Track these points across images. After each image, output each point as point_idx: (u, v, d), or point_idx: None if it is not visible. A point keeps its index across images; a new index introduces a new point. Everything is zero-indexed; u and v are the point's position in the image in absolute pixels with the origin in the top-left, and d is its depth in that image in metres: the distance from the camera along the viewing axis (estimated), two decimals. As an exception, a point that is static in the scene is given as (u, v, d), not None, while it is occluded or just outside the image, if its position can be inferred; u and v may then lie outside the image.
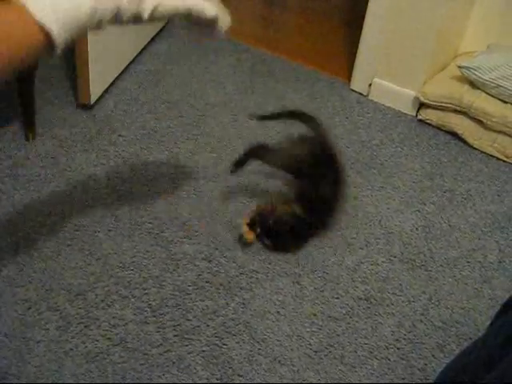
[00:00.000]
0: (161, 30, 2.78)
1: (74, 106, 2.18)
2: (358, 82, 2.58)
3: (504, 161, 2.29)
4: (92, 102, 2.16)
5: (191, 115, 2.25)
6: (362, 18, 2.46)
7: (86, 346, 1.39)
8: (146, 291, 1.54)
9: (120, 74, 2.40)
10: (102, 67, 2.17)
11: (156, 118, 2.20)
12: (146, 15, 1.01)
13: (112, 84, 2.33)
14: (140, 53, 2.58)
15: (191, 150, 2.06)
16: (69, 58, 2.39)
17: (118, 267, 1.60)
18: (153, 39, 2.71)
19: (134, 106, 2.25)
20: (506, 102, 2.30)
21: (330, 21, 3.36)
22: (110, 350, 1.39)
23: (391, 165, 2.16)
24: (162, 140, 2.09)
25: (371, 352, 1.49)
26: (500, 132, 2.27)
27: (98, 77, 2.16)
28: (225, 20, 1.19)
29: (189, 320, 1.48)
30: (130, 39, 2.43)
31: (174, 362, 1.38)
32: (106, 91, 2.29)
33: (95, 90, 2.17)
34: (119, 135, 2.08)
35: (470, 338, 1.56)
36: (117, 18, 0.99)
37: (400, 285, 1.68)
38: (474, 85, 2.34)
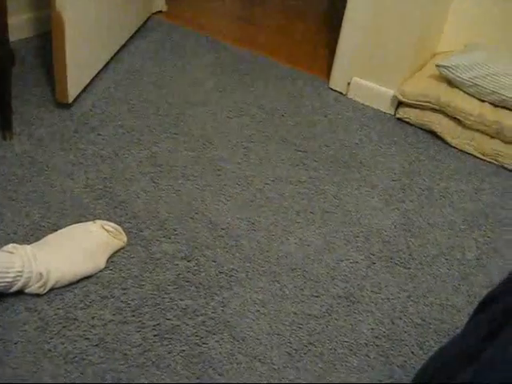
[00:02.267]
0: (139, 29, 2.77)
1: (51, 104, 2.17)
2: (336, 81, 2.59)
3: (481, 159, 2.31)
4: (70, 101, 2.15)
5: (170, 114, 2.24)
6: (342, 17, 2.47)
7: (65, 347, 1.38)
8: (126, 291, 1.53)
9: (98, 73, 2.39)
10: (79, 66, 2.16)
11: (135, 116, 2.19)
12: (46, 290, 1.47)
13: (90, 83, 2.32)
14: (118, 51, 2.57)
15: (170, 149, 2.06)
16: (46, 56, 2.38)
17: (96, 267, 1.59)
18: (131, 38, 2.69)
19: (112, 105, 2.23)
20: (483, 101, 2.32)
21: (309, 20, 3.37)
22: (89, 350, 1.38)
23: (370, 163, 2.17)
24: (140, 139, 2.08)
25: (351, 349, 1.49)
26: (477, 130, 2.29)
27: (76, 75, 2.15)
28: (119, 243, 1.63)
29: (168, 319, 1.47)
30: (108, 37, 2.41)
31: (153, 362, 1.38)
32: (85, 90, 2.27)
33: (73, 88, 2.15)
34: (98, 134, 2.07)
35: (449, 335, 1.57)
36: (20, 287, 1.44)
37: (379, 282, 1.69)
38: (451, 83, 2.36)
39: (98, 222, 1.63)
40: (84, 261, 1.53)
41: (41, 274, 1.45)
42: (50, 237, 1.57)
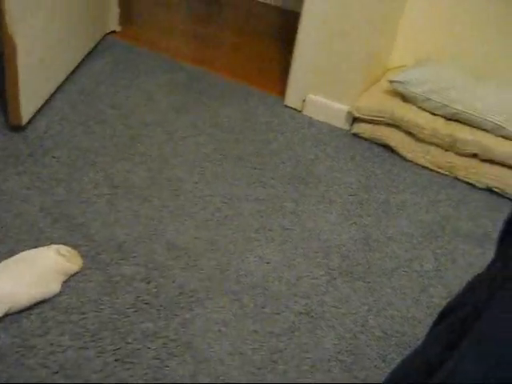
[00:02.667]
0: (93, 49, 2.75)
1: (4, 128, 2.13)
2: (292, 98, 2.61)
3: (436, 171, 2.35)
4: (24, 123, 2.11)
5: (126, 135, 2.22)
6: (295, 35, 2.49)
7: (23, 376, 1.34)
8: (84, 315, 1.50)
9: (52, 95, 2.36)
10: (32, 88, 2.13)
11: (90, 138, 2.17)
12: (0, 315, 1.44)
13: (44, 104, 2.29)
14: (73, 72, 2.55)
15: (126, 170, 2.04)
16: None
17: (54, 292, 1.56)
18: (86, 58, 2.67)
19: (67, 127, 2.21)
20: (435, 115, 2.36)
21: (264, 38, 3.39)
22: (49, 378, 1.35)
23: (327, 179, 2.18)
24: (96, 160, 2.06)
25: (314, 366, 1.49)
26: (432, 144, 2.33)
27: (29, 97, 2.12)
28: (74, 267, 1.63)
29: (129, 343, 1.45)
30: (61, 59, 2.39)
31: (114, 387, 1.36)
32: (38, 112, 2.24)
33: (27, 110, 2.12)
34: (53, 156, 2.04)
35: (410, 347, 1.58)
36: None
37: (340, 297, 1.70)
38: (404, 98, 2.40)
39: (53, 246, 1.62)
40: (38, 285, 1.51)
41: None
42: (4, 262, 1.55)
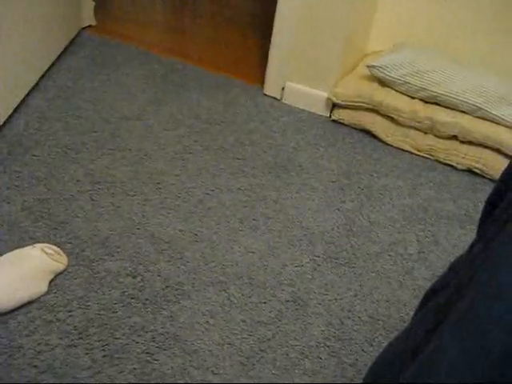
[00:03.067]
0: (69, 45, 2.73)
1: (-18, 127, 2.12)
2: (271, 87, 2.61)
3: (417, 154, 2.37)
4: (1, 123, 2.10)
5: (105, 130, 2.21)
6: (272, 23, 2.49)
7: (12, 377, 1.34)
8: (71, 313, 1.50)
9: (29, 92, 2.34)
10: (9, 85, 2.11)
11: (69, 134, 2.16)
12: None
13: (21, 102, 2.27)
14: (49, 69, 2.53)
15: (107, 165, 2.03)
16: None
17: (39, 291, 1.55)
18: (62, 54, 2.65)
19: (45, 124, 2.19)
20: (413, 98, 2.37)
21: (240, 28, 3.38)
22: (38, 377, 1.35)
23: (309, 166, 2.19)
24: (76, 157, 2.05)
25: (302, 353, 1.50)
26: (411, 127, 2.34)
27: (6, 95, 2.10)
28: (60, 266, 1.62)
29: (117, 338, 1.45)
30: (37, 55, 2.37)
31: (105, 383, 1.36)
32: (16, 110, 2.22)
33: (4, 109, 2.10)
34: (32, 155, 2.02)
35: (397, 330, 1.60)
36: None
37: (325, 284, 1.71)
38: (382, 83, 2.41)
39: (38, 245, 1.60)
40: (25, 286, 1.50)
41: None
42: None
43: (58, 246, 1.64)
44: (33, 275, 1.52)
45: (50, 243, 1.64)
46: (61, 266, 1.60)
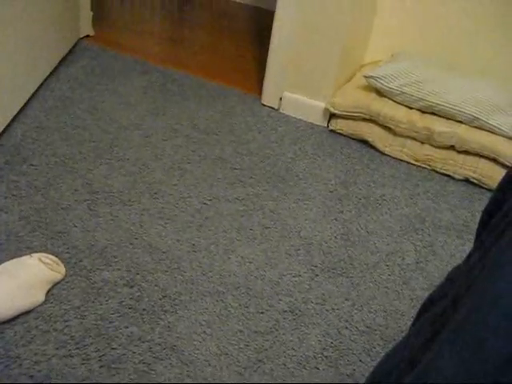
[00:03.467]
0: (67, 54, 2.73)
1: (-21, 137, 2.12)
2: (268, 97, 2.61)
3: (414, 164, 2.37)
4: (-1, 132, 2.10)
5: (103, 139, 2.22)
6: (270, 33, 2.50)
7: (8, 386, 1.34)
8: (68, 323, 1.50)
9: (27, 102, 2.34)
10: (7, 94, 2.11)
11: (67, 144, 2.16)
12: None
13: (19, 112, 2.27)
14: (47, 78, 2.53)
15: (105, 175, 2.03)
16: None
17: (36, 301, 1.55)
18: (60, 64, 2.66)
19: (43, 134, 2.19)
20: (411, 108, 2.38)
21: (239, 38, 3.39)
22: (34, 387, 1.34)
23: (306, 176, 2.19)
24: (74, 167, 2.05)
25: (300, 363, 1.50)
26: (408, 137, 2.35)
27: (4, 104, 2.10)
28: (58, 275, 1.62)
29: (114, 349, 1.45)
30: (35, 64, 2.38)
31: (101, 393, 1.35)
32: (14, 119, 2.22)
33: (1, 118, 2.10)
34: (30, 164, 2.02)
35: (395, 340, 1.60)
36: None
37: (323, 294, 1.71)
38: (380, 93, 2.42)
39: (36, 255, 1.60)
40: (22, 296, 1.49)
41: None
42: None
43: (56, 256, 1.64)
44: (30, 285, 1.52)
45: (47, 253, 1.64)
46: (58, 276, 1.60)
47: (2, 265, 1.57)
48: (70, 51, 2.76)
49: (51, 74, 2.57)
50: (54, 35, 2.55)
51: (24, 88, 2.32)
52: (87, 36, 2.99)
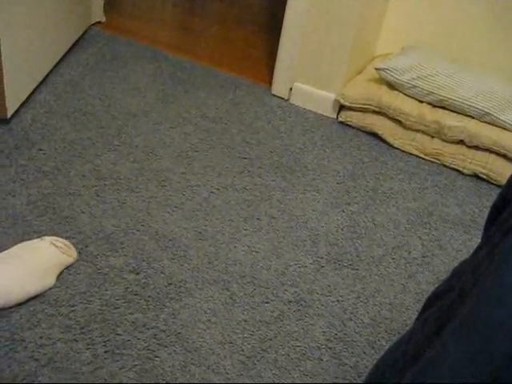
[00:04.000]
0: (78, 40, 2.73)
1: (-11, 120, 2.12)
2: (278, 87, 2.60)
3: (423, 158, 2.36)
4: (9, 116, 2.10)
5: (112, 126, 2.22)
6: (281, 24, 2.49)
7: (12, 370, 1.34)
8: (73, 308, 1.50)
9: (37, 86, 2.34)
10: (17, 79, 2.12)
11: (76, 129, 2.16)
12: None
13: (29, 96, 2.27)
14: (58, 64, 2.53)
15: (113, 161, 2.03)
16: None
17: (42, 285, 1.56)
18: (71, 50, 2.66)
19: (53, 119, 2.20)
20: (422, 102, 2.37)
21: (250, 28, 3.38)
22: (39, 371, 1.35)
23: (315, 167, 2.19)
24: (83, 152, 2.05)
25: (304, 354, 1.50)
26: (418, 131, 2.34)
27: (15, 89, 2.10)
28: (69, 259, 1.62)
29: (118, 334, 1.46)
30: (45, 50, 2.38)
31: (105, 379, 1.36)
32: (24, 104, 2.23)
33: (11, 103, 2.11)
34: (39, 149, 2.03)
35: (399, 333, 1.59)
36: None
37: (328, 285, 1.71)
38: (391, 86, 2.41)
39: (47, 238, 1.61)
40: (34, 279, 1.50)
41: None
42: None
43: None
44: (42, 268, 1.52)
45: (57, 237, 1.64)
46: (70, 259, 1.60)
47: (14, 248, 1.57)
48: (81, 37, 2.76)
49: (62, 59, 2.57)
50: (66, 21, 2.55)
51: (34, 73, 2.32)
52: (98, 22, 2.99)
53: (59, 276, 1.58)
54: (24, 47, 2.13)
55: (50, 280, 1.54)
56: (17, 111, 2.17)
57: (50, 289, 1.53)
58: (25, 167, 1.94)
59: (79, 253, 1.66)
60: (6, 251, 1.56)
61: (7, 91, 2.04)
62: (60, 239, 1.62)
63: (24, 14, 2.10)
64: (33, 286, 1.49)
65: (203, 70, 2.73)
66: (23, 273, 1.49)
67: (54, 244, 1.58)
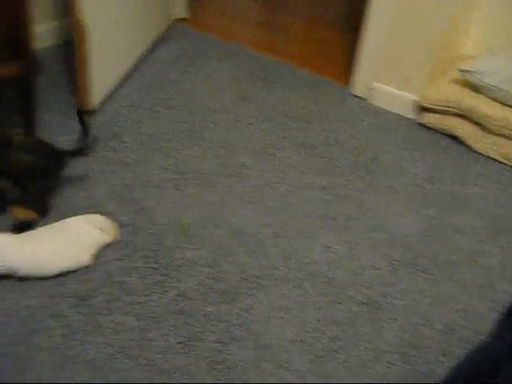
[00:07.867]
0: (162, 36, 2.78)
1: (75, 112, 2.18)
2: (358, 87, 2.59)
3: (505, 163, 2.29)
4: (93, 108, 2.17)
5: (193, 121, 2.25)
6: (359, 23, 2.47)
7: (89, 353, 1.39)
8: (149, 297, 1.54)
9: (122, 81, 2.40)
10: (102, 73, 2.18)
11: (158, 123, 2.21)
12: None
13: (114, 90, 2.34)
14: (141, 59, 2.59)
15: (193, 156, 2.07)
16: (70, 64, 2.40)
17: (119, 274, 1.60)
18: (154, 45, 2.71)
19: (135, 113, 2.25)
20: (506, 105, 2.30)
21: (331, 26, 3.37)
22: (113, 357, 1.39)
23: (392, 169, 2.16)
24: (164, 146, 2.09)
25: (375, 356, 1.49)
26: (500, 135, 2.27)
27: (99, 82, 2.17)
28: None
29: (192, 326, 1.48)
30: (130, 44, 2.44)
31: (177, 369, 1.38)
32: (108, 97, 2.29)
33: (97, 96, 2.17)
34: (121, 141, 2.08)
35: (473, 342, 1.56)
36: None
37: (402, 289, 1.68)
38: (474, 88, 2.35)
39: (88, 216, 1.66)
40: (64, 254, 1.56)
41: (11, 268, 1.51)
42: (44, 228, 1.62)
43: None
44: (74, 245, 1.58)
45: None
46: (107, 239, 1.64)
47: (59, 222, 1.63)
48: (165, 33, 2.81)
49: (145, 54, 2.63)
50: (150, 17, 2.60)
51: (118, 67, 2.38)
52: (181, 18, 3.03)
53: (136, 265, 1.61)
54: (111, 42, 2.19)
55: (83, 259, 1.58)
56: (101, 104, 2.24)
57: (124, 278, 1.57)
58: (107, 158, 2.00)
59: (156, 244, 1.69)
60: (50, 225, 1.63)
61: (93, 85, 2.11)
62: (101, 218, 1.66)
63: (112, 10, 2.16)
64: (62, 261, 1.55)
65: (285, 68, 2.74)
66: (58, 247, 1.56)
67: (93, 223, 1.63)
